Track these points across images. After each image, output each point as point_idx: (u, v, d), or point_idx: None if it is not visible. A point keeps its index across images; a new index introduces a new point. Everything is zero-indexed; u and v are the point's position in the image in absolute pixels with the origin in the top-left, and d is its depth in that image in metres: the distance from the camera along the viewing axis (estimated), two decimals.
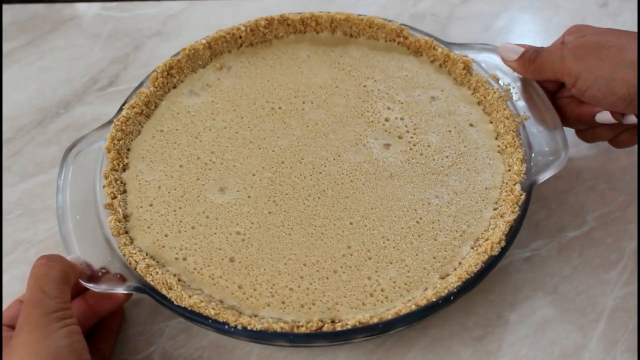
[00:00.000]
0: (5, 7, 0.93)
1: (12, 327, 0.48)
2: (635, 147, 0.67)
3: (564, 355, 0.54)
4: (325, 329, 0.49)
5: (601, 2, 0.86)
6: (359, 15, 0.71)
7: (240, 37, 0.71)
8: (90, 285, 0.51)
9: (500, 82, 0.64)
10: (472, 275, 0.50)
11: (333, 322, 0.50)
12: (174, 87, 0.68)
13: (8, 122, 0.77)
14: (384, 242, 0.55)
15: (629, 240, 0.61)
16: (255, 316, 0.50)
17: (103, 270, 0.52)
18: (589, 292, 0.58)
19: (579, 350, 0.54)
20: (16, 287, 0.61)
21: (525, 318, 0.56)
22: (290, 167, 0.61)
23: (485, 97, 0.64)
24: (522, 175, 0.56)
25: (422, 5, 0.87)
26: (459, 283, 0.50)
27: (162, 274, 0.51)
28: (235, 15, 0.89)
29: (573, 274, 0.59)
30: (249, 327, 0.48)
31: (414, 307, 0.49)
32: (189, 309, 0.49)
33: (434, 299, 0.49)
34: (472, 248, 0.54)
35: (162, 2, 0.92)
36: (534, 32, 0.83)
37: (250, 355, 0.55)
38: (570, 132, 0.62)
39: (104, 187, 0.57)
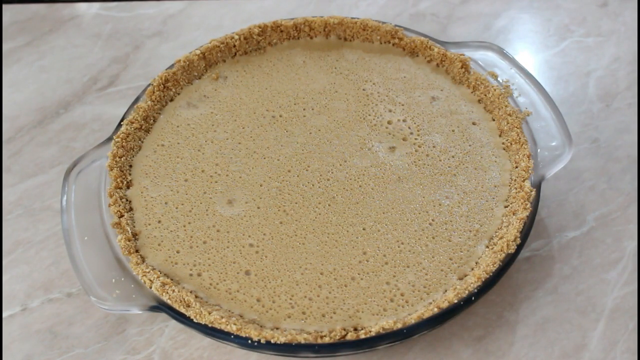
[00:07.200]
0: (5, 7, 0.92)
1: None
2: (635, 146, 0.68)
3: (564, 355, 0.54)
4: (349, 337, 0.49)
5: (601, 2, 0.87)
6: (352, 18, 0.71)
7: (234, 45, 0.70)
8: (105, 307, 0.50)
9: (499, 79, 0.65)
10: (491, 274, 0.50)
11: (356, 329, 0.50)
12: (171, 100, 0.67)
13: (8, 122, 0.76)
14: (399, 246, 0.55)
15: (629, 240, 0.61)
16: (277, 328, 0.50)
17: (117, 292, 0.51)
18: (589, 292, 0.58)
19: (579, 350, 0.54)
20: (16, 287, 0.60)
21: (525, 318, 0.56)
22: (297, 176, 0.60)
23: (485, 95, 0.64)
24: (530, 171, 0.56)
25: (422, 5, 0.87)
26: (479, 283, 0.50)
27: (178, 291, 0.50)
28: (235, 16, 0.89)
29: (573, 274, 0.59)
30: (272, 341, 0.47)
31: (436, 309, 0.49)
32: (210, 325, 0.48)
33: (456, 301, 0.49)
34: (487, 247, 0.54)
35: (162, 2, 0.92)
36: (534, 32, 0.84)
37: (250, 355, 0.55)
38: (571, 129, 0.62)
39: (109, 205, 0.56)
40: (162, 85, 0.66)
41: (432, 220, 0.56)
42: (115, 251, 0.54)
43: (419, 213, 0.57)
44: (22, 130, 0.75)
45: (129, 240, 0.54)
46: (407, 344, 0.55)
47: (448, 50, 0.68)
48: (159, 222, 0.57)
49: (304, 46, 0.72)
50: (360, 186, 0.59)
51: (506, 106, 0.62)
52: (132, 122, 0.62)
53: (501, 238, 0.54)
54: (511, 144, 0.60)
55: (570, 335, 0.55)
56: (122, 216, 0.56)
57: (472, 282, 0.50)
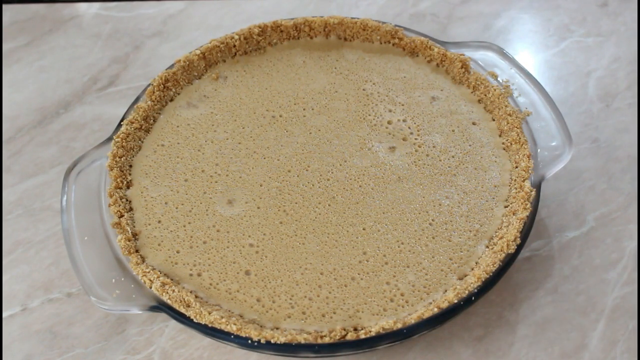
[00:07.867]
0: (5, 7, 0.92)
1: None
2: (635, 146, 0.68)
3: (564, 355, 0.54)
4: (348, 337, 0.49)
5: (601, 2, 0.87)
6: (352, 18, 0.71)
7: (234, 45, 0.70)
8: (105, 307, 0.50)
9: (499, 79, 0.65)
10: (491, 274, 0.50)
11: (356, 329, 0.50)
12: (171, 100, 0.67)
13: (8, 122, 0.76)
14: (399, 246, 0.55)
15: (629, 240, 0.61)
16: (277, 328, 0.50)
17: (117, 292, 0.51)
18: (589, 292, 0.58)
19: (579, 350, 0.54)
20: (16, 287, 0.60)
21: (525, 318, 0.56)
22: (297, 176, 0.60)
23: (485, 95, 0.64)
24: (530, 171, 0.56)
25: (422, 5, 0.87)
26: (479, 283, 0.50)
27: (178, 291, 0.50)
28: (235, 16, 0.89)
29: (573, 274, 0.59)
30: (272, 341, 0.47)
31: (436, 310, 0.49)
32: (210, 325, 0.48)
33: (456, 301, 0.49)
34: (487, 247, 0.54)
35: (162, 2, 0.92)
36: (534, 32, 0.84)
37: (250, 355, 0.55)
38: (571, 129, 0.62)
39: (109, 205, 0.56)
40: (162, 85, 0.66)
41: (432, 220, 0.56)
42: (115, 251, 0.54)
43: (419, 213, 0.57)
44: (22, 130, 0.75)
45: (129, 240, 0.54)
46: (407, 344, 0.55)
47: (448, 50, 0.68)
48: (159, 222, 0.57)
49: (304, 46, 0.72)
50: (360, 186, 0.59)
51: (506, 106, 0.62)
52: (132, 122, 0.62)
53: (501, 238, 0.54)
54: (511, 144, 0.60)
55: (570, 335, 0.55)
56: (122, 216, 0.56)
57: (472, 282, 0.50)
